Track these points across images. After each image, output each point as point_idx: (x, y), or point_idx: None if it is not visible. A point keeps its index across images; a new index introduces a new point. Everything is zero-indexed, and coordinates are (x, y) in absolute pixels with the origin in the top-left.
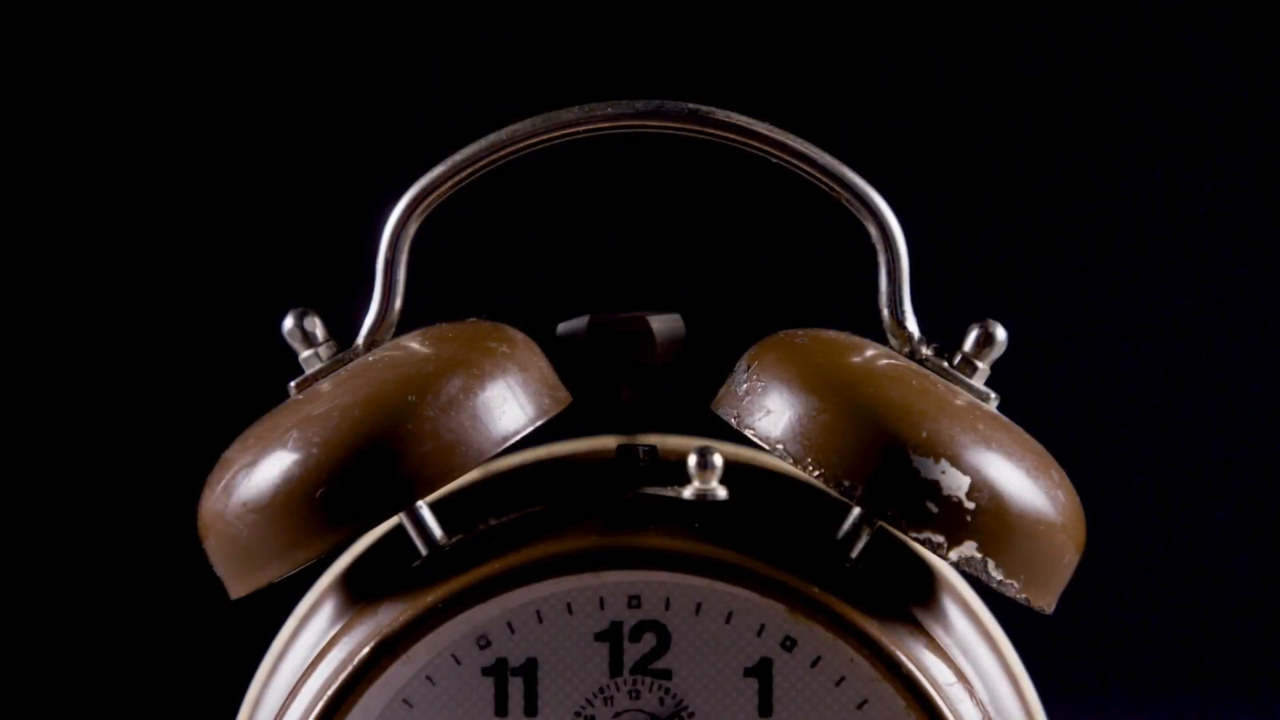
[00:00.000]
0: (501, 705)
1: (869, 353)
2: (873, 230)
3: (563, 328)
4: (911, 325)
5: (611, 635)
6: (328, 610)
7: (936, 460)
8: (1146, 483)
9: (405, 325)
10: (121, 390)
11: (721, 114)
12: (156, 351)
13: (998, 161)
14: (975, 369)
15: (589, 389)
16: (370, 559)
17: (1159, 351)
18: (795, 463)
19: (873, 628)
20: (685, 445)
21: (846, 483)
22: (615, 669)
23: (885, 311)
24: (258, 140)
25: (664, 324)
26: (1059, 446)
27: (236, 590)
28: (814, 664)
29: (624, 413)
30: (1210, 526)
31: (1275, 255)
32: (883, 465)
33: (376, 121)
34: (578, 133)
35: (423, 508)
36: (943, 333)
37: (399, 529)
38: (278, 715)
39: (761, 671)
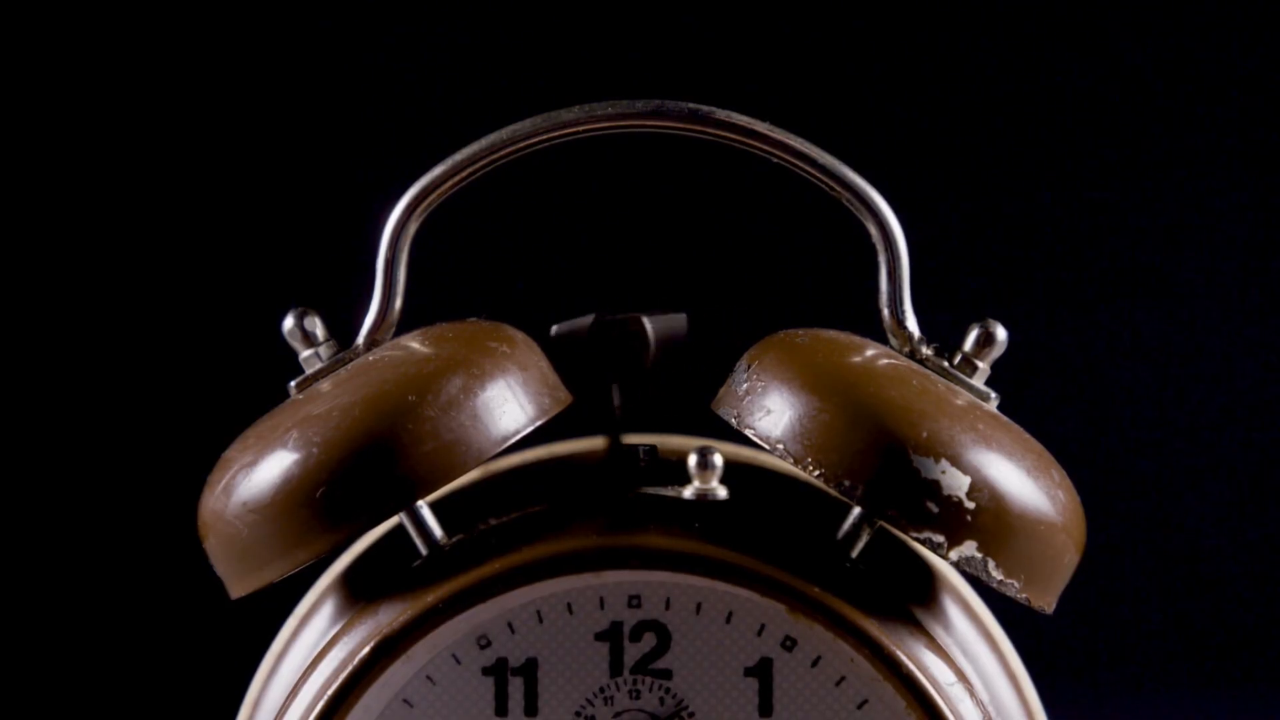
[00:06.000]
0: (501, 705)
1: (869, 353)
2: (873, 230)
3: (561, 327)
4: (911, 325)
5: (612, 635)
6: (328, 610)
7: (937, 460)
8: (1146, 483)
9: (405, 325)
10: (122, 390)
11: (721, 114)
12: (157, 352)
13: (998, 161)
14: (975, 369)
15: (586, 389)
16: (370, 559)
17: (1159, 351)
18: (795, 463)
19: (873, 628)
20: (685, 445)
21: (846, 482)
22: (615, 669)
23: (885, 311)
24: (258, 140)
25: (661, 324)
26: (1059, 446)
27: (236, 590)
28: (814, 664)
29: (615, 413)
30: (1210, 526)
31: (1276, 255)
32: (883, 465)
33: (377, 121)
34: (578, 133)
35: (423, 508)
36: (943, 333)
37: (399, 529)
38: (278, 715)
39: (761, 671)
